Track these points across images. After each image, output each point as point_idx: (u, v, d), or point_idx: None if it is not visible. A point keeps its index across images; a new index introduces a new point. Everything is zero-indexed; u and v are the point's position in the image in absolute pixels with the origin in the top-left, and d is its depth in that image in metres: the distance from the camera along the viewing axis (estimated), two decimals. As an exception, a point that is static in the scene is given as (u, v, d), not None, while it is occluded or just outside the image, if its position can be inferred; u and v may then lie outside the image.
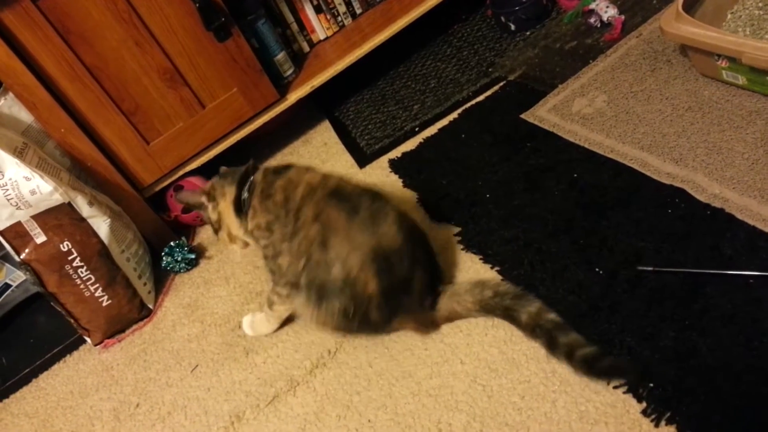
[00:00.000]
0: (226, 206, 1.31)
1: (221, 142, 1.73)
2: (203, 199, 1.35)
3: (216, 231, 1.36)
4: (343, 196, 1.17)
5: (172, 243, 1.65)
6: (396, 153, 1.67)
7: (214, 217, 1.34)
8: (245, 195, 1.27)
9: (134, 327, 1.56)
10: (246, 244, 1.36)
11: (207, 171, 1.76)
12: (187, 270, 1.64)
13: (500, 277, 1.21)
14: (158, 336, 1.50)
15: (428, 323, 1.17)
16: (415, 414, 1.07)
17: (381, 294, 1.11)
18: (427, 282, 1.18)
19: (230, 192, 1.29)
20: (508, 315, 1.10)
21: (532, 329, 1.05)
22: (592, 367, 0.96)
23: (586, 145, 1.35)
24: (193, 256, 1.64)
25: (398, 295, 1.14)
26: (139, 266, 1.58)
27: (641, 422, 0.90)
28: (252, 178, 1.28)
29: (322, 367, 1.22)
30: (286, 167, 1.27)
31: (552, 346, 1.01)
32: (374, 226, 1.13)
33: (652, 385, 0.92)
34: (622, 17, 1.64)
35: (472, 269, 1.26)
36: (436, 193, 1.46)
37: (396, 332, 1.21)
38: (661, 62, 1.46)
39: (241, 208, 1.28)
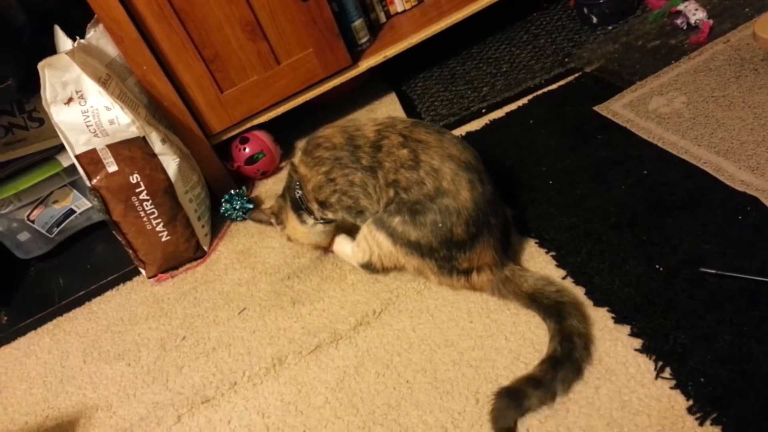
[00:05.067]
0: (290, 221, 1.36)
1: (290, 100, 1.76)
2: (272, 219, 1.41)
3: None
4: (427, 125, 1.21)
5: (232, 191, 1.70)
6: (460, 131, 1.67)
7: (285, 238, 1.43)
8: (299, 193, 1.31)
9: (188, 266, 1.62)
10: (320, 247, 1.42)
11: (273, 127, 1.81)
12: (244, 219, 1.69)
13: (555, 263, 1.21)
14: (210, 277, 1.55)
15: (502, 268, 1.15)
16: (454, 381, 1.09)
17: (471, 205, 1.12)
18: (507, 221, 1.21)
19: (288, 204, 1.36)
20: (556, 309, 1.07)
21: (567, 337, 1.02)
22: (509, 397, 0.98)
23: (660, 144, 1.33)
24: (251, 206, 1.68)
25: (486, 214, 1.14)
26: (199, 208, 1.63)
27: (685, 419, 0.90)
28: (296, 175, 1.31)
29: (366, 326, 1.25)
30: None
31: (568, 364, 0.99)
32: (462, 145, 1.18)
33: (703, 380, 0.91)
34: (711, 21, 1.59)
35: (526, 252, 1.26)
36: (497, 174, 1.46)
37: (456, 288, 1.21)
38: (747, 70, 1.42)
39: (300, 207, 1.32)
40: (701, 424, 0.88)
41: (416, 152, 1.15)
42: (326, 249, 1.44)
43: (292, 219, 1.36)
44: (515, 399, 0.98)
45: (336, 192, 1.24)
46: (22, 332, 1.61)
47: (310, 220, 1.33)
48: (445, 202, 1.12)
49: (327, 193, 1.26)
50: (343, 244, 1.38)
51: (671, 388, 0.94)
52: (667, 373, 0.95)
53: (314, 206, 1.30)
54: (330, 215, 1.31)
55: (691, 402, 0.91)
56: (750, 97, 1.34)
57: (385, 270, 1.28)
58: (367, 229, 1.23)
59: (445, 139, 1.18)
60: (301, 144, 1.34)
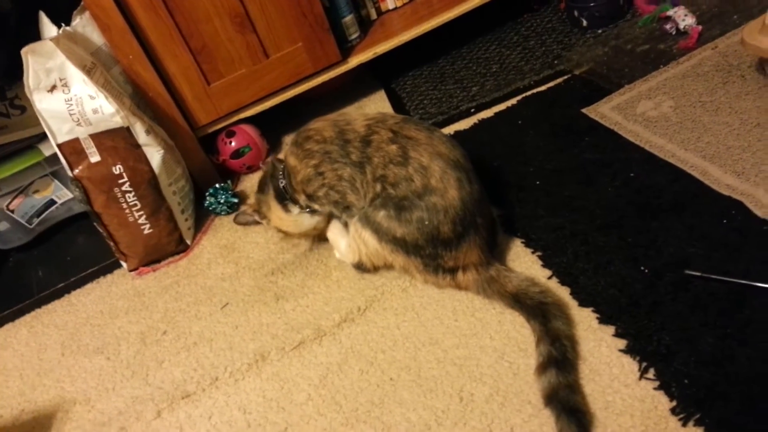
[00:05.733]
0: (274, 212, 1.35)
1: (278, 94, 1.74)
2: (256, 217, 1.40)
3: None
4: (417, 122, 1.21)
5: (217, 185, 1.68)
6: (448, 130, 1.66)
7: (275, 230, 1.40)
8: (283, 182, 1.29)
9: (170, 259, 1.60)
10: (310, 235, 1.40)
11: (260, 121, 1.79)
12: (228, 213, 1.67)
13: (541, 263, 1.21)
14: (192, 271, 1.53)
15: (487, 268, 1.15)
16: (438, 379, 1.08)
17: (459, 203, 1.11)
18: (493, 220, 1.21)
19: (270, 194, 1.34)
20: (539, 310, 1.06)
21: (553, 339, 1.01)
22: (563, 411, 0.93)
23: (647, 147, 1.33)
24: (236, 201, 1.66)
25: (473, 213, 1.13)
26: (183, 202, 1.61)
27: (668, 420, 0.90)
28: (282, 165, 1.30)
29: (350, 322, 1.24)
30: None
31: (557, 365, 0.98)
32: (451, 143, 1.17)
33: (687, 381, 0.91)
34: (700, 27, 1.61)
35: (512, 251, 1.26)
36: (484, 173, 1.45)
37: (441, 287, 1.21)
38: (734, 76, 1.43)
39: (284, 197, 1.31)
40: (684, 425, 0.88)
41: (405, 148, 1.14)
42: (318, 237, 1.41)
43: (275, 209, 1.34)
44: (574, 414, 0.92)
45: (324, 186, 1.23)
46: (-1, 324, 1.58)
47: (295, 209, 1.32)
48: (432, 199, 1.11)
49: (315, 187, 1.25)
50: (338, 237, 1.35)
51: (655, 389, 0.94)
52: (650, 374, 0.96)
53: (301, 197, 1.29)
54: (317, 207, 1.30)
55: (674, 403, 0.91)
56: (737, 103, 1.36)
57: (375, 269, 1.28)
58: (353, 229, 1.22)
59: (435, 136, 1.17)
60: (289, 137, 1.32)
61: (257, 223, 1.44)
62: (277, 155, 1.33)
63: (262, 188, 1.38)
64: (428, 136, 1.16)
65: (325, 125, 1.25)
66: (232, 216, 1.65)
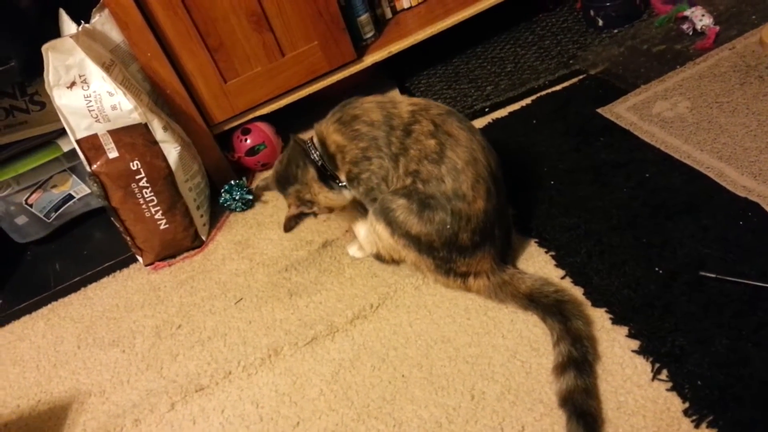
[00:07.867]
0: (321, 193, 1.27)
1: (293, 92, 1.75)
2: (304, 209, 1.31)
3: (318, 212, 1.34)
4: (461, 118, 1.18)
5: (232, 182, 1.69)
6: (463, 130, 1.67)
7: (324, 210, 1.32)
8: (316, 158, 1.24)
9: (185, 255, 1.61)
10: (344, 207, 1.34)
11: (275, 119, 1.80)
12: (243, 210, 1.68)
13: (554, 262, 1.21)
14: (207, 266, 1.55)
15: (500, 274, 1.16)
16: (449, 377, 1.08)
17: (483, 215, 1.11)
18: (510, 228, 1.21)
19: (311, 173, 1.25)
20: (556, 309, 1.07)
21: (574, 339, 1.01)
22: (574, 414, 0.93)
23: (662, 148, 1.33)
24: (250, 197, 1.68)
25: (493, 225, 1.14)
26: (199, 198, 1.63)
27: (681, 421, 0.90)
28: (308, 142, 1.26)
29: (363, 319, 1.25)
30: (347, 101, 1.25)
31: (577, 367, 0.98)
32: (489, 149, 1.16)
33: (700, 383, 0.91)
34: (717, 28, 1.59)
35: (525, 251, 1.26)
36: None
37: (451, 288, 1.22)
38: (752, 77, 1.42)
39: (325, 175, 1.25)
40: (697, 426, 0.88)
41: (443, 146, 1.12)
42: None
43: (323, 191, 1.26)
44: (584, 418, 0.93)
45: (368, 170, 1.20)
46: (17, 316, 1.60)
47: (336, 186, 1.27)
48: (459, 205, 1.11)
49: (361, 169, 1.21)
50: (359, 225, 1.34)
51: (668, 390, 0.94)
52: (663, 375, 0.96)
53: (342, 175, 1.24)
54: (352, 189, 1.26)
55: (687, 404, 0.91)
56: (754, 104, 1.35)
57: (394, 261, 1.28)
58: (369, 221, 1.22)
59: (476, 139, 1.14)
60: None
61: (310, 212, 1.33)
62: (293, 137, 1.27)
63: (291, 179, 1.28)
64: (469, 138, 1.14)
65: (372, 107, 1.20)
66: (247, 212, 1.67)
